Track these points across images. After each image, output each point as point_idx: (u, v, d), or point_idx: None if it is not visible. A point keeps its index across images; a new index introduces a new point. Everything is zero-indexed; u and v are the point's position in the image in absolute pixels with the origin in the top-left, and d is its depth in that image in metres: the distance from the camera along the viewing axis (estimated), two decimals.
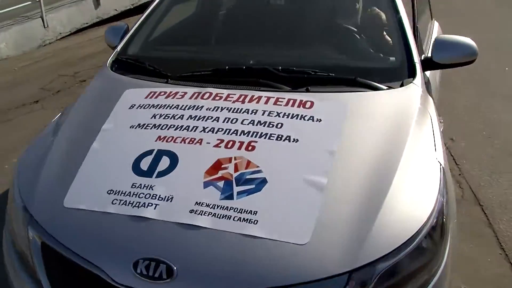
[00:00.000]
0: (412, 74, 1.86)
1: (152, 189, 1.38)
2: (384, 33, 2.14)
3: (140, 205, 1.34)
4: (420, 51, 2.07)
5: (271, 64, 1.82)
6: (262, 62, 1.90)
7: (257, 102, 1.63)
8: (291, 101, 1.62)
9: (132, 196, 1.38)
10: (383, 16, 2.23)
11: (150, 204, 1.34)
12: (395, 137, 1.53)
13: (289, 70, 1.79)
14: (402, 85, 1.80)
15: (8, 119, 4.17)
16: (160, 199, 1.35)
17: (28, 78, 5.37)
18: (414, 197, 1.36)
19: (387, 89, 1.76)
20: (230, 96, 1.68)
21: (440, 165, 1.50)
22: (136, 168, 1.46)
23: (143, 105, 1.73)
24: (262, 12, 2.35)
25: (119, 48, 2.21)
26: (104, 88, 1.96)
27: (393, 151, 1.46)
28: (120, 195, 1.39)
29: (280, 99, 1.63)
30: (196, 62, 1.98)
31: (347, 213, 1.27)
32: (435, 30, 3.03)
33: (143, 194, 1.37)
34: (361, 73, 1.79)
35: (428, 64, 2.03)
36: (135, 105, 1.74)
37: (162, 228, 1.29)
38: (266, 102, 1.63)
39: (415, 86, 1.80)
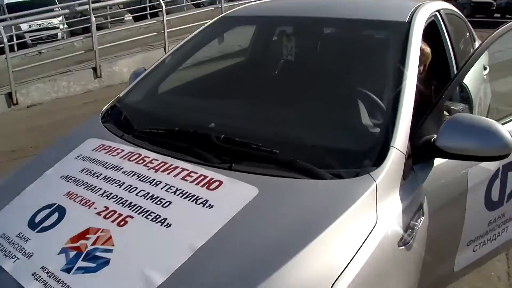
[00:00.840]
0: (380, 162, 1.48)
1: (26, 243, 1.41)
2: (373, 101, 1.78)
3: (7, 255, 1.39)
4: (431, 130, 1.64)
5: (222, 131, 1.69)
6: (218, 128, 1.79)
7: (169, 173, 1.56)
8: (201, 177, 1.51)
9: (10, 244, 1.43)
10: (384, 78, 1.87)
11: (13, 256, 1.38)
12: (287, 245, 1.24)
13: (229, 140, 1.63)
14: (357, 175, 1.44)
15: None
16: (23, 254, 1.37)
17: None
18: None
19: (331, 178, 1.44)
20: (152, 161, 1.64)
21: None
22: (32, 218, 1.51)
23: (84, 156, 1.79)
24: (248, 73, 2.25)
25: (121, 94, 2.34)
26: (79, 132, 2.09)
27: (271, 262, 1.20)
28: (5, 240, 1.46)
29: (191, 174, 1.53)
30: (160, 120, 1.98)
31: None
32: None
33: (17, 245, 1.42)
34: (314, 153, 1.55)
35: (426, 151, 1.60)
36: (81, 155, 1.81)
37: (5, 283, 1.31)
38: (176, 175, 1.54)
39: (369, 180, 1.41)
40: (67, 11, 8.47)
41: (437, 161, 1.65)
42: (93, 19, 6.47)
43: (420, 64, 2.15)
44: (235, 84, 2.27)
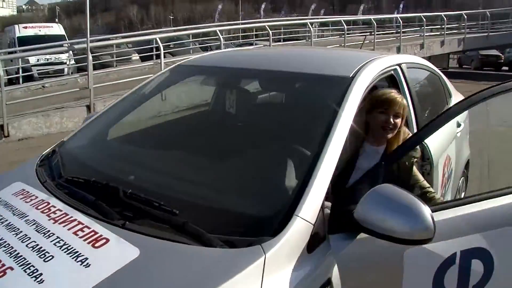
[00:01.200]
0: (277, 232, 1.37)
1: None
2: (285, 163, 1.70)
3: None
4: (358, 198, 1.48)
5: (134, 186, 1.68)
6: (134, 182, 1.79)
7: (65, 226, 1.56)
8: (91, 233, 1.49)
9: None
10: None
11: None
12: None
13: (133, 196, 1.60)
14: (249, 245, 1.34)
15: None
16: None
17: None
18: None
19: (220, 246, 1.35)
20: (56, 212, 1.64)
21: None
22: None
23: (1, 200, 1.80)
24: (183, 127, 2.26)
25: (65, 138, 2.40)
26: (11, 174, 2.12)
27: None
28: None
29: (84, 229, 1.52)
30: (85, 169, 1.99)
31: None
32: None
33: None
34: (212, 217, 1.51)
35: (345, 222, 1.46)
36: (0, 199, 1.86)
37: None
38: (70, 229, 1.53)
39: (258, 251, 1.30)
40: (74, 47, 8.80)
41: (364, 234, 1.45)
42: (90, 58, 6.71)
43: (396, 117, 2.04)
44: (169, 138, 2.29)
